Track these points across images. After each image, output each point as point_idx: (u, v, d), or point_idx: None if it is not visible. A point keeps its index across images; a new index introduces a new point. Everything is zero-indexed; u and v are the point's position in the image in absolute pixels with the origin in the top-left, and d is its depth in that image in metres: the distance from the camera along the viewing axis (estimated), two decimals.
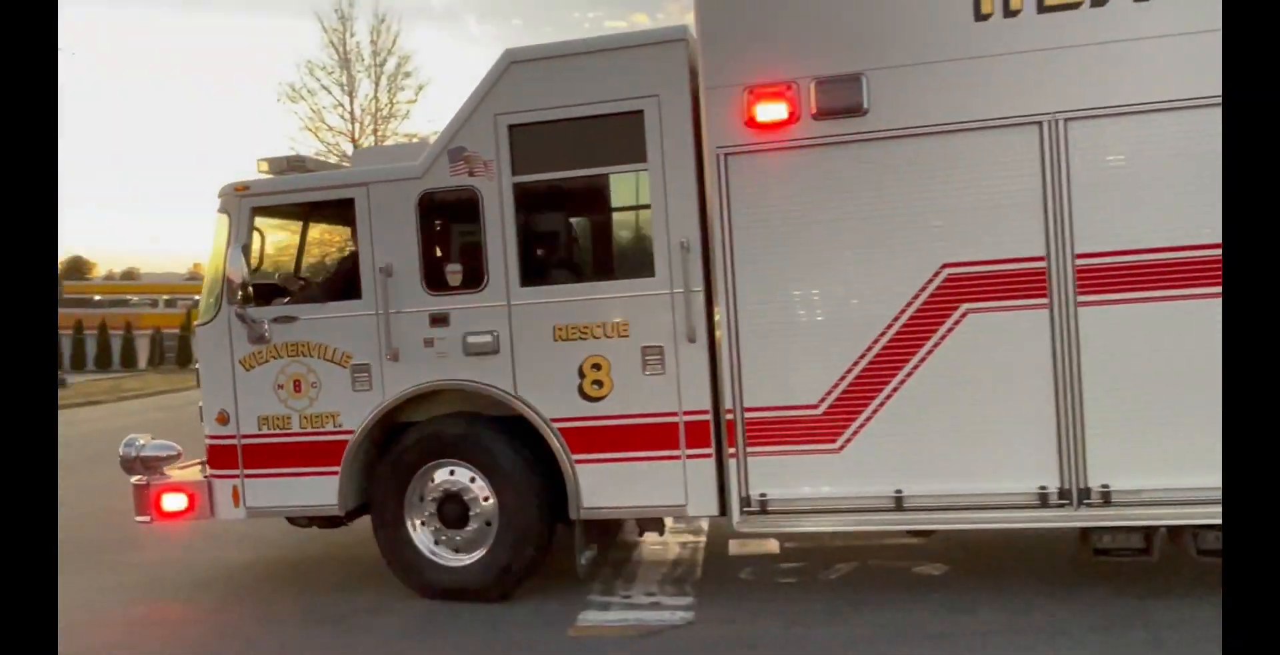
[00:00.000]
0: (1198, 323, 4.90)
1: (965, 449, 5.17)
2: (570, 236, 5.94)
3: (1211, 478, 4.84)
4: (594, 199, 5.77)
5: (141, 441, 6.38)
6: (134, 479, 6.31)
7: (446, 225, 5.87)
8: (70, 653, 4.99)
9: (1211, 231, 4.84)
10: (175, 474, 6.37)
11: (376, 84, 32.29)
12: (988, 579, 5.76)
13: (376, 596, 6.03)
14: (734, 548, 6.67)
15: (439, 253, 5.87)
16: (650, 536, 6.68)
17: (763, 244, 5.35)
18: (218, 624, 5.81)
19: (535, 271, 5.73)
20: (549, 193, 5.73)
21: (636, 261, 5.57)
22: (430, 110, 44.13)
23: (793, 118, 5.24)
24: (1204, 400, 4.86)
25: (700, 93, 5.36)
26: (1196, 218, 4.87)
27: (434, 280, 5.83)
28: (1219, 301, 4.83)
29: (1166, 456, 4.97)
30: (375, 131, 31.57)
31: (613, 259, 5.74)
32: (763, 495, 5.40)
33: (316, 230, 6.90)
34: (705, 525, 7.24)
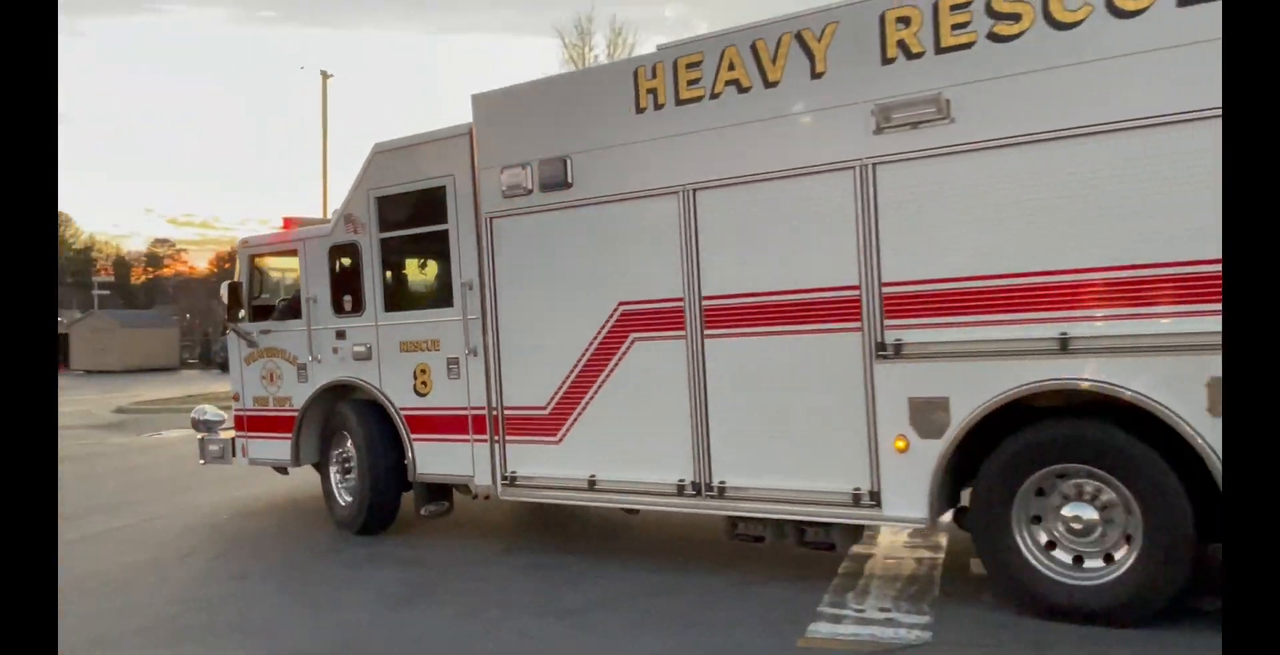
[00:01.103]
0: (793, 353, 6.09)
1: (635, 446, 6.72)
2: (412, 277, 8.18)
3: (805, 482, 6.06)
4: (423, 249, 7.96)
5: (205, 409, 9.62)
6: (198, 435, 9.56)
7: (345, 268, 8.38)
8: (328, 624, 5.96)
9: (809, 277, 5.99)
10: (222, 434, 9.53)
11: None
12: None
13: (607, 592, 6.34)
14: (976, 566, 6.10)
15: (341, 287, 8.40)
16: (884, 550, 6.98)
17: (512, 284, 7.25)
18: (462, 605, 6.25)
19: (391, 301, 8.07)
20: (400, 244, 8.04)
21: (444, 296, 7.70)
22: None
23: (528, 190, 7.08)
24: (798, 418, 6.07)
25: (475, 172, 7.37)
26: (796, 267, 6.05)
27: (338, 306, 8.39)
28: (812, 337, 6.02)
29: (770, 462, 6.20)
30: None
31: (432, 293, 7.89)
32: (513, 472, 7.32)
33: (290, 269, 9.71)
34: (944, 541, 7.00)
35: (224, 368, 49.92)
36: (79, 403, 28.46)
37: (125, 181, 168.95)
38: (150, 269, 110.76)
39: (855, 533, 6.17)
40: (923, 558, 6.78)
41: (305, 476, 9.67)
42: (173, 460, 14.06)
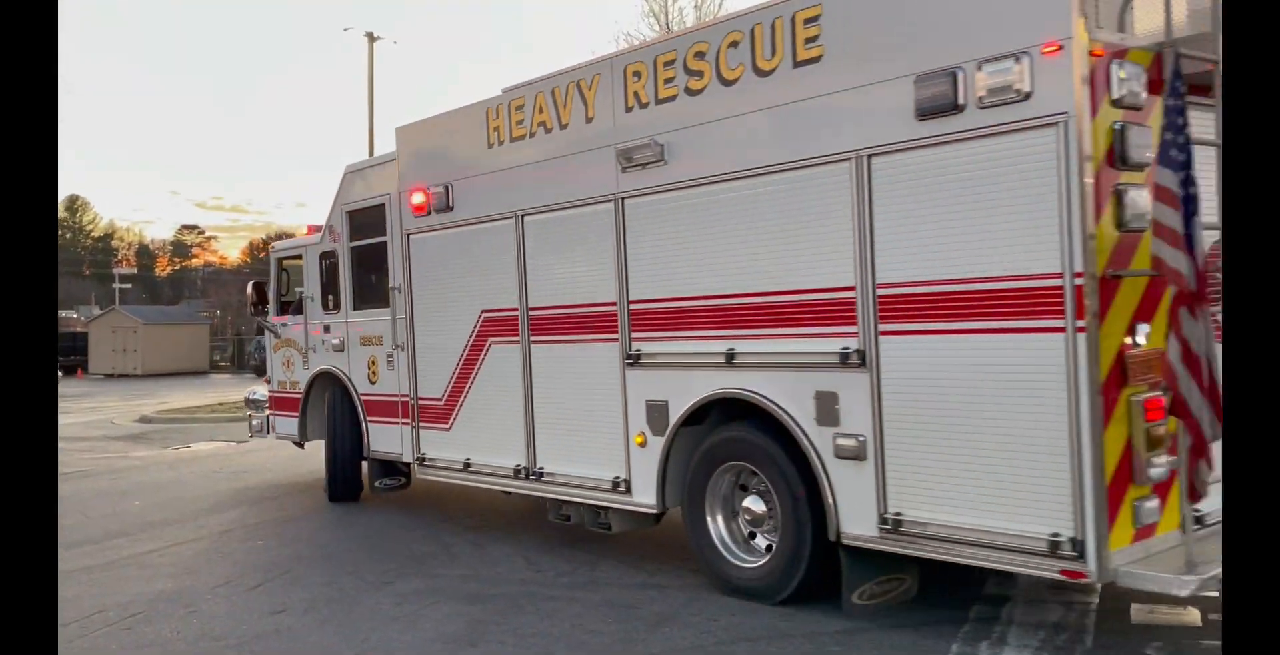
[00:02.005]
0: (579, 358, 7.58)
1: (490, 434, 8.44)
2: (369, 280, 10.29)
3: (588, 469, 7.58)
4: (376, 257, 10.03)
5: (256, 390, 12.33)
6: (248, 412, 12.31)
7: (330, 272, 10.65)
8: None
9: (590, 294, 7.47)
10: (266, 411, 12.20)
11: None
12: None
13: (697, 636, 5.98)
14: (1137, 615, 5.91)
15: (326, 288, 10.70)
16: (1025, 592, 6.46)
17: (422, 291, 9.15)
18: (529, 648, 5.92)
19: (357, 301, 10.25)
20: (362, 253, 10.17)
21: (386, 298, 9.75)
22: None
23: (427, 211, 8.97)
24: (583, 414, 7.60)
25: (399, 194, 9.36)
26: (581, 284, 7.54)
27: (325, 305, 10.70)
28: (590, 345, 7.51)
29: (568, 451, 7.73)
30: None
31: (380, 296, 9.95)
32: (423, 454, 9.26)
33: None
34: (1099, 586, 6.35)
35: (259, 371, 42.38)
36: (99, 410, 27.12)
37: (147, 161, 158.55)
38: (176, 259, 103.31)
39: (636, 519, 7.54)
40: (1072, 601, 6.27)
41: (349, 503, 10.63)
42: (203, 476, 13.44)
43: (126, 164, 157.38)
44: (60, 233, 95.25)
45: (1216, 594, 5.41)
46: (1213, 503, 5.08)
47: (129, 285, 74.99)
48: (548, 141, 7.68)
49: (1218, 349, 4.48)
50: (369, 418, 10.03)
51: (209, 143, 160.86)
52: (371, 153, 31.51)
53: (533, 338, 7.96)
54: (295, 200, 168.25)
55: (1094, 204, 4.78)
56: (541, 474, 7.95)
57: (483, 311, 8.43)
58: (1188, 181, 4.49)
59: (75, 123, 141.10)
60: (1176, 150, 4.52)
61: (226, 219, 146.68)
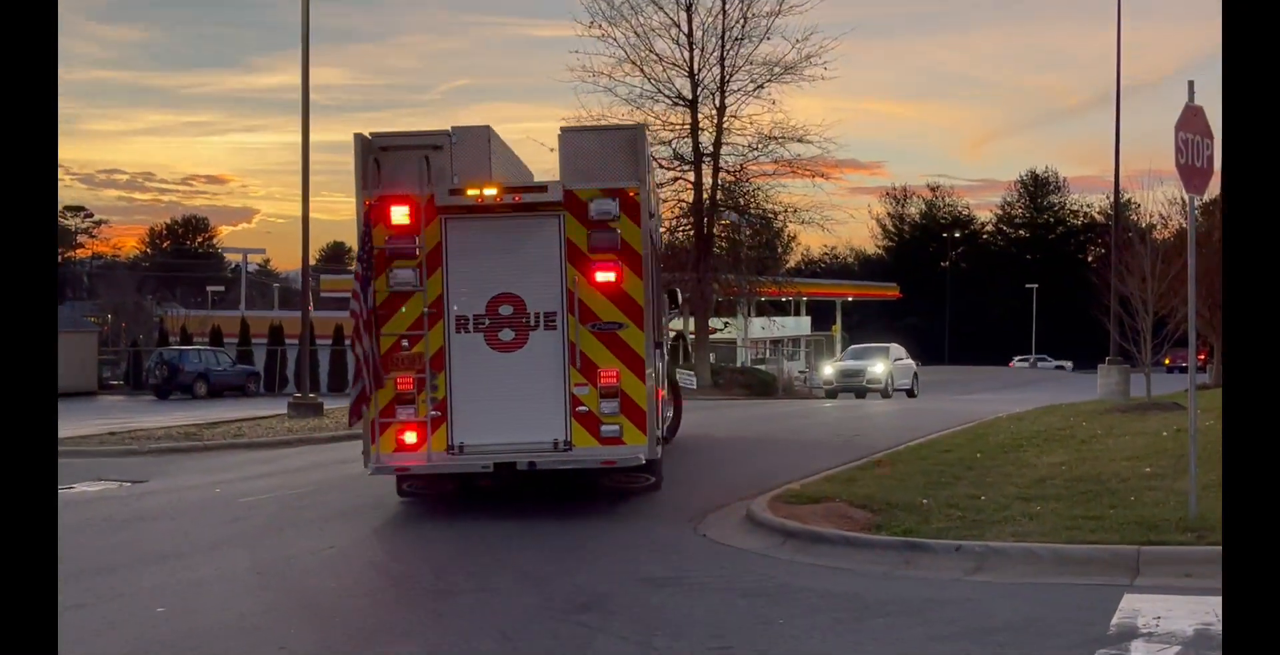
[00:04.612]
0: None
1: None
2: None
3: None
4: None
5: None
6: None
7: None
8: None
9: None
10: None
11: None
12: None
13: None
14: None
15: None
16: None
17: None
18: None
19: None
20: None
21: None
22: (798, 27, 29.52)
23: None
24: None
25: None
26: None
27: None
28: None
29: None
30: (722, 60, 26.00)
31: None
32: None
33: None
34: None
35: (159, 392, 36.13)
36: None
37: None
38: (59, 249, 78.94)
39: None
40: None
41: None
42: (91, 525, 11.03)
43: None
44: None
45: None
46: (475, 436, 10.70)
47: None
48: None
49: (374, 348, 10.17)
50: None
51: (105, 102, 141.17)
52: (305, 119, 25.34)
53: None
54: (207, 171, 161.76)
55: (377, 274, 10.58)
56: None
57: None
58: (366, 269, 10.24)
59: None
60: (363, 254, 10.37)
61: (121, 198, 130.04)
